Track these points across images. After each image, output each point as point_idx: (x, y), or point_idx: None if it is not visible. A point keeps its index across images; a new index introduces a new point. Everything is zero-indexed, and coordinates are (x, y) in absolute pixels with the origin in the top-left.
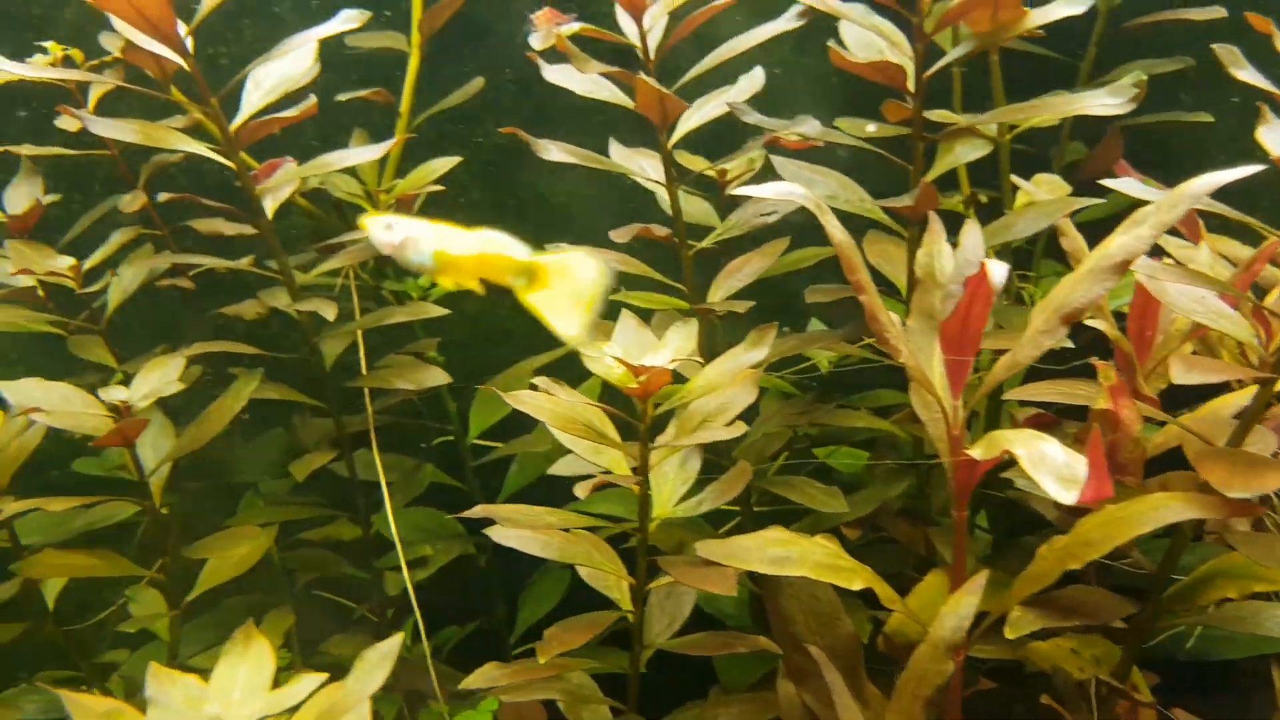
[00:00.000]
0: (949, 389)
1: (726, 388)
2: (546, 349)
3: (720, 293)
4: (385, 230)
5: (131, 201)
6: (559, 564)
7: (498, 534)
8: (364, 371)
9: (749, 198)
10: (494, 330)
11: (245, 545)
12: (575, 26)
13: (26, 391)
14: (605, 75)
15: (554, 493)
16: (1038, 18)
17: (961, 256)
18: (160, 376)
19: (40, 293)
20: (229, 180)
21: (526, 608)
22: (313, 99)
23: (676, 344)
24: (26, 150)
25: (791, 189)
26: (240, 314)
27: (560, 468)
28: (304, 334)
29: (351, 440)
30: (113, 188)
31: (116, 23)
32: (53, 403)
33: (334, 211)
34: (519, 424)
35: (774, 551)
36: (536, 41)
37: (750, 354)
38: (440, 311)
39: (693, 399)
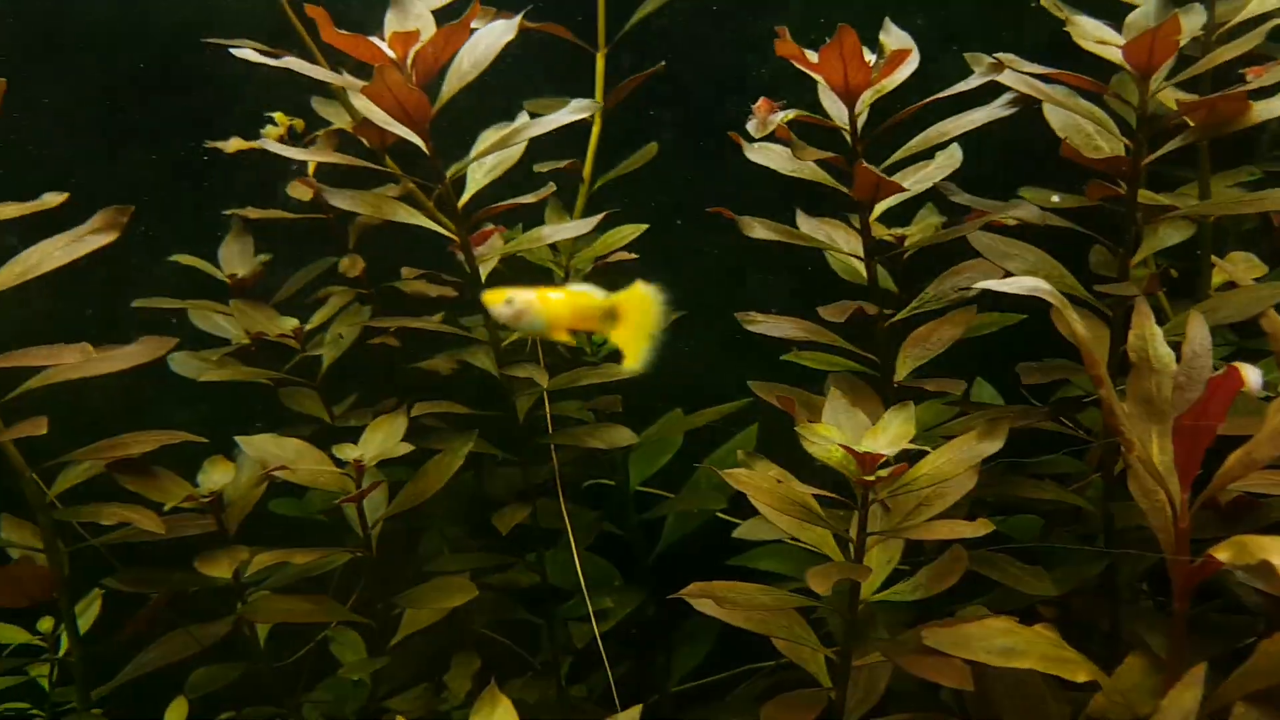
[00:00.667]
0: (1178, 481)
1: (953, 477)
2: (686, 396)
3: (909, 363)
4: (506, 305)
5: (351, 266)
6: None
7: (703, 606)
8: (549, 427)
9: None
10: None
11: (457, 597)
12: (790, 114)
13: (263, 447)
14: (818, 161)
15: (711, 538)
16: (1262, 112)
17: (1189, 349)
18: (386, 436)
19: (251, 346)
20: (423, 240)
21: (681, 651)
22: (551, 185)
23: (895, 429)
24: (253, 213)
25: (1037, 284)
26: (436, 369)
27: (746, 532)
28: (502, 392)
29: (534, 490)
30: (304, 243)
31: (357, 100)
32: (288, 458)
33: (523, 273)
34: (677, 473)
35: (1000, 642)
36: (754, 129)
37: (984, 445)
38: (628, 372)
39: (919, 486)
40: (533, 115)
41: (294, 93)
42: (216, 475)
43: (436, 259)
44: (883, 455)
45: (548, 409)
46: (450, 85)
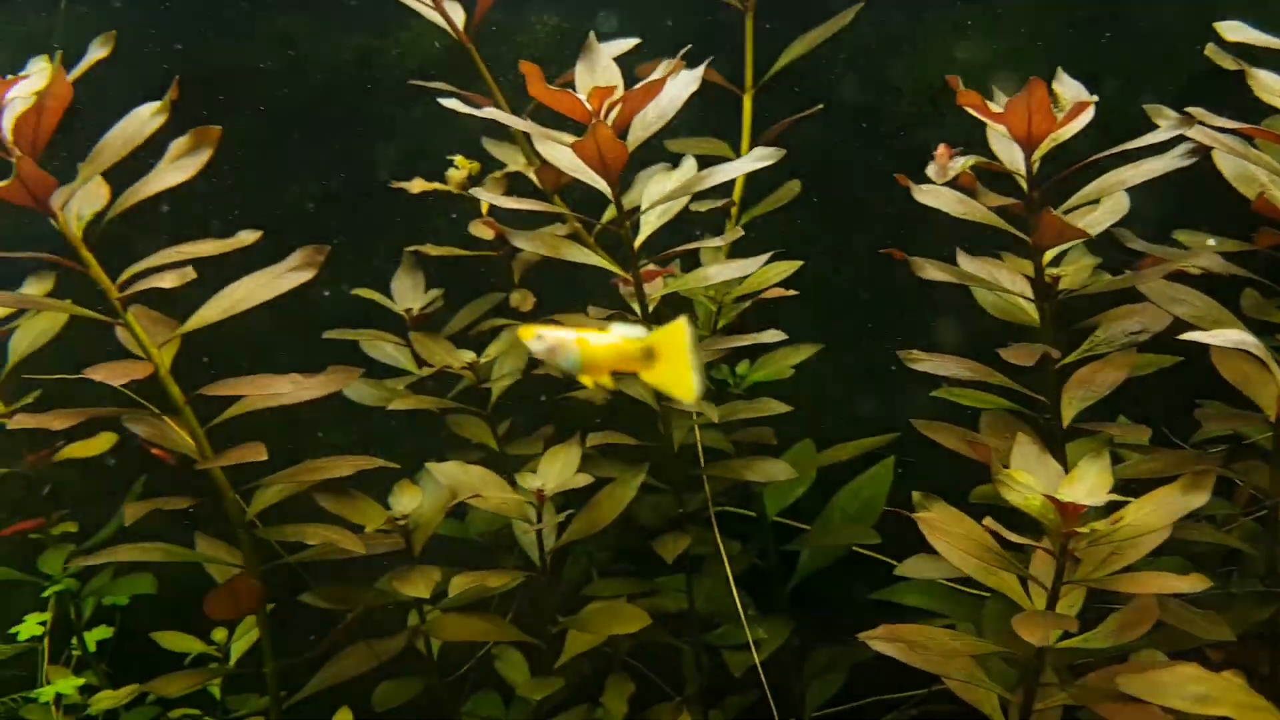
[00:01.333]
0: None
1: (1156, 530)
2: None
3: (1074, 405)
4: (537, 340)
5: (523, 301)
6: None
7: (881, 647)
8: (700, 457)
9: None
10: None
11: (629, 624)
12: (970, 160)
13: (451, 474)
14: (996, 208)
15: (845, 569)
16: None
17: None
18: (563, 466)
19: (429, 379)
20: (581, 275)
21: (817, 681)
22: (739, 231)
23: (1093, 478)
24: (432, 250)
25: (1243, 338)
26: (591, 399)
27: (910, 569)
28: (658, 421)
29: (684, 518)
30: (461, 276)
31: (546, 147)
32: (476, 485)
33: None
34: (809, 502)
35: (1194, 689)
36: (935, 174)
37: (1189, 498)
38: (783, 408)
39: (1119, 537)
40: (676, 154)
41: (442, 129)
42: (406, 499)
43: (590, 293)
44: (1084, 506)
45: (699, 440)
46: (636, 135)
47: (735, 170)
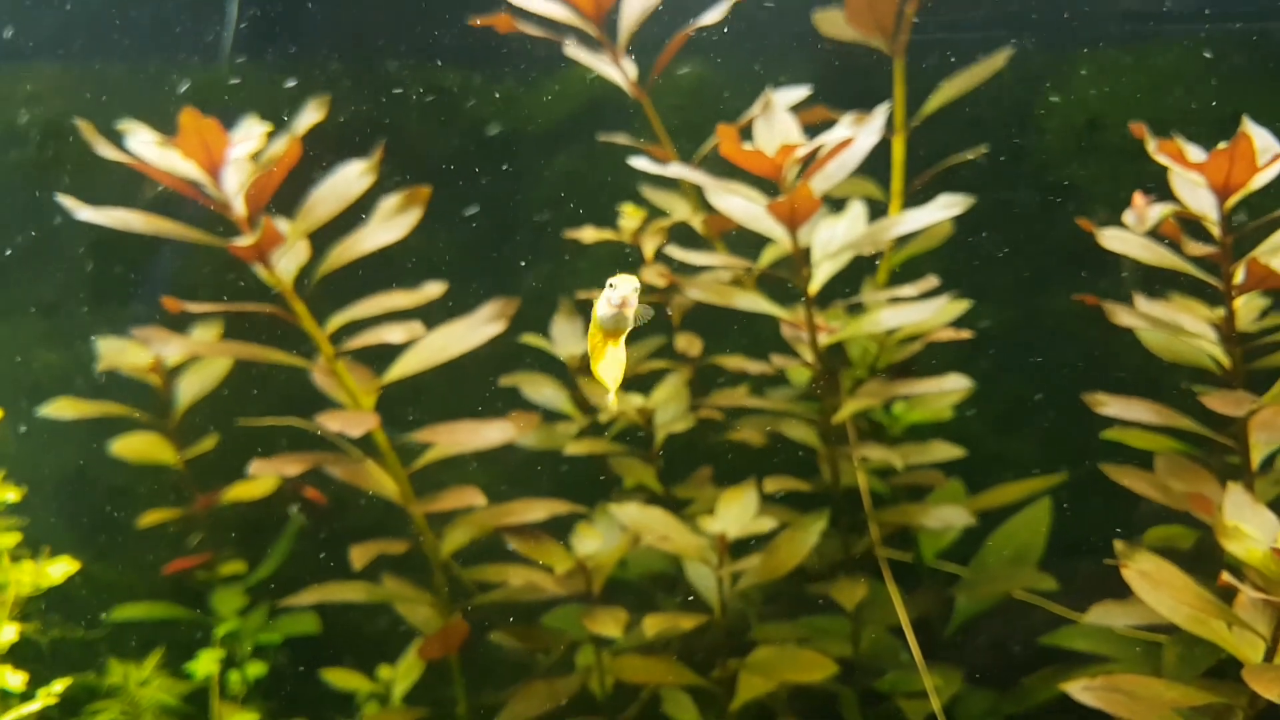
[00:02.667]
0: None
1: None
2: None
3: (1260, 449)
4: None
5: (689, 345)
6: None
7: (1083, 696)
8: (865, 500)
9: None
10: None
11: (813, 671)
12: (1170, 208)
13: (633, 516)
14: (1197, 259)
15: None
16: None
17: None
18: (741, 511)
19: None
20: (738, 319)
21: None
22: (934, 280)
23: None
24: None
25: None
26: (748, 440)
27: (1100, 617)
28: (821, 462)
29: (850, 563)
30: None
31: (722, 199)
32: (656, 528)
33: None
34: (962, 546)
35: None
36: (1133, 223)
37: None
38: (957, 453)
39: None
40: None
41: (584, 177)
42: (588, 542)
43: (752, 334)
44: None
45: (863, 485)
46: (819, 187)
47: (925, 220)
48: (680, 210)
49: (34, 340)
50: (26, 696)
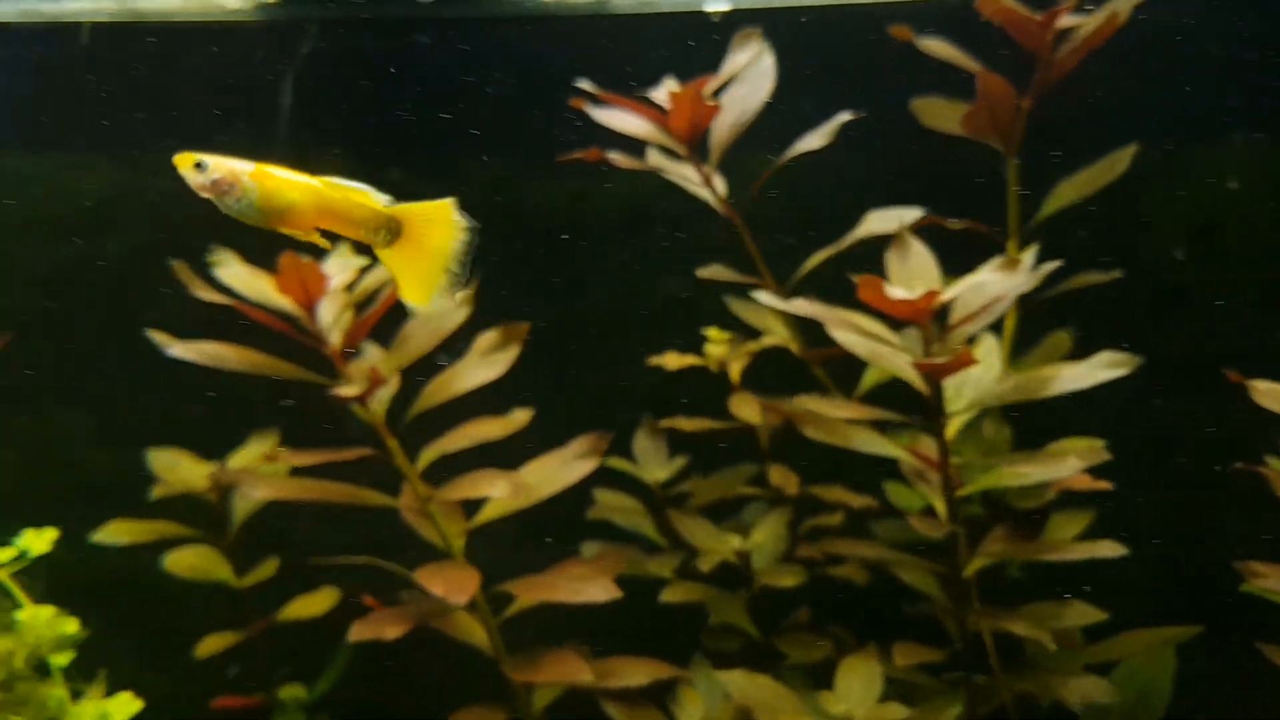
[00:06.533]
0: None
1: None
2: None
3: None
4: (197, 172)
5: (786, 481)
6: None
7: None
8: (993, 662)
9: None
10: None
11: None
12: None
13: (741, 686)
14: None
15: None
16: None
17: None
18: (864, 687)
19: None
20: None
21: None
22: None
23: None
24: (685, 425)
25: None
26: (851, 579)
27: None
28: (952, 619)
29: None
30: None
31: (839, 333)
32: (768, 704)
33: None
34: None
35: None
36: None
37: None
38: (1098, 616)
39: None
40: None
41: (653, 270)
42: (690, 709)
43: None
44: None
45: (991, 647)
46: (964, 335)
47: (1084, 380)
48: (776, 333)
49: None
50: None
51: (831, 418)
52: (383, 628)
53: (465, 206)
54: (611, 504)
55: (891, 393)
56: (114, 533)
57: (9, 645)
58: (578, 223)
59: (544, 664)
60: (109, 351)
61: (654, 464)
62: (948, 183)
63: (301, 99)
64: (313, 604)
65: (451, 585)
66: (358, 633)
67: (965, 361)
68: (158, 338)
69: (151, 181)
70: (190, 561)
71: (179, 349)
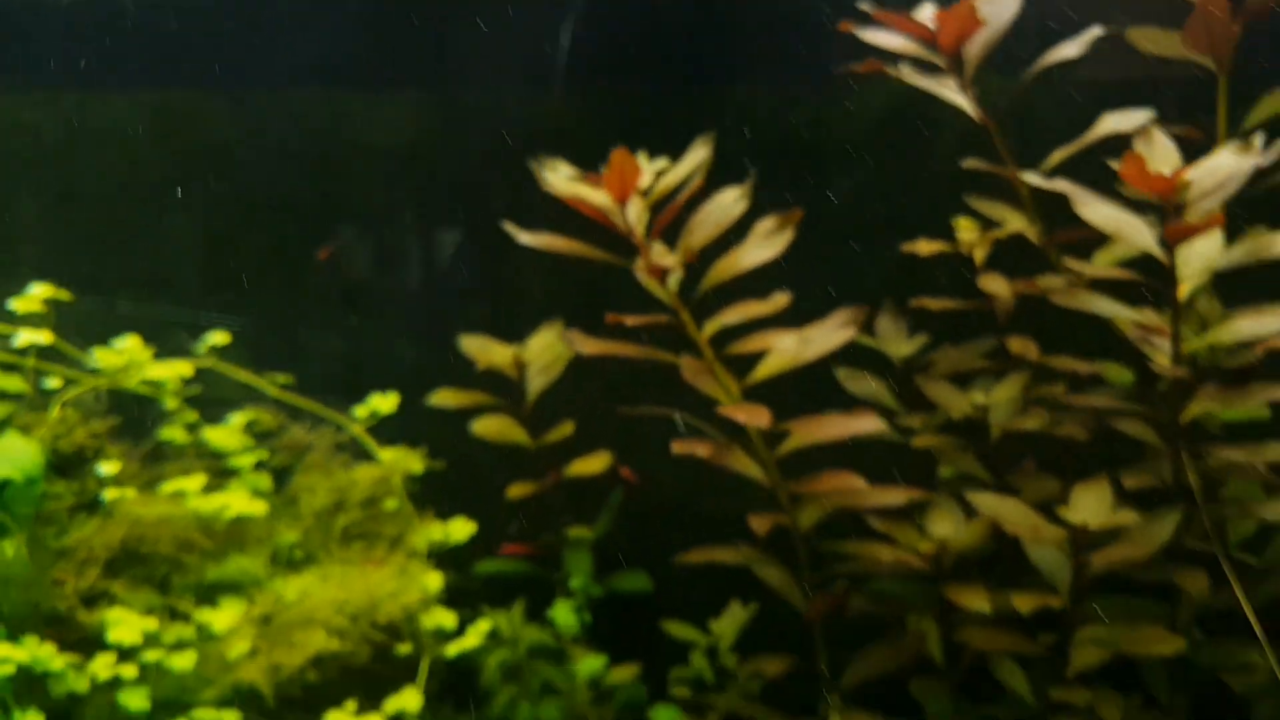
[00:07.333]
0: None
1: None
2: None
3: None
4: None
5: (1026, 349)
6: None
7: None
8: (1197, 494)
9: None
10: None
11: (1167, 645)
12: None
13: (991, 505)
14: None
15: None
16: None
17: None
18: (1097, 504)
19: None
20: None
21: None
22: None
23: None
24: (932, 304)
25: None
26: (1072, 435)
27: None
28: (1168, 459)
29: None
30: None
31: (1085, 209)
32: (1013, 517)
33: None
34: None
35: None
36: None
37: None
38: None
39: None
40: None
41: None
42: (943, 525)
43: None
44: None
45: (1195, 483)
46: (1204, 209)
47: None
48: (1014, 222)
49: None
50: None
51: (1083, 277)
52: (693, 447)
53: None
54: (851, 376)
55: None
56: (443, 398)
57: (375, 474)
58: (832, 136)
59: (824, 480)
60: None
61: (897, 340)
62: (1160, 98)
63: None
64: (592, 464)
65: (751, 415)
66: (679, 449)
67: (1213, 222)
68: (510, 228)
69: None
70: (495, 427)
71: (526, 238)
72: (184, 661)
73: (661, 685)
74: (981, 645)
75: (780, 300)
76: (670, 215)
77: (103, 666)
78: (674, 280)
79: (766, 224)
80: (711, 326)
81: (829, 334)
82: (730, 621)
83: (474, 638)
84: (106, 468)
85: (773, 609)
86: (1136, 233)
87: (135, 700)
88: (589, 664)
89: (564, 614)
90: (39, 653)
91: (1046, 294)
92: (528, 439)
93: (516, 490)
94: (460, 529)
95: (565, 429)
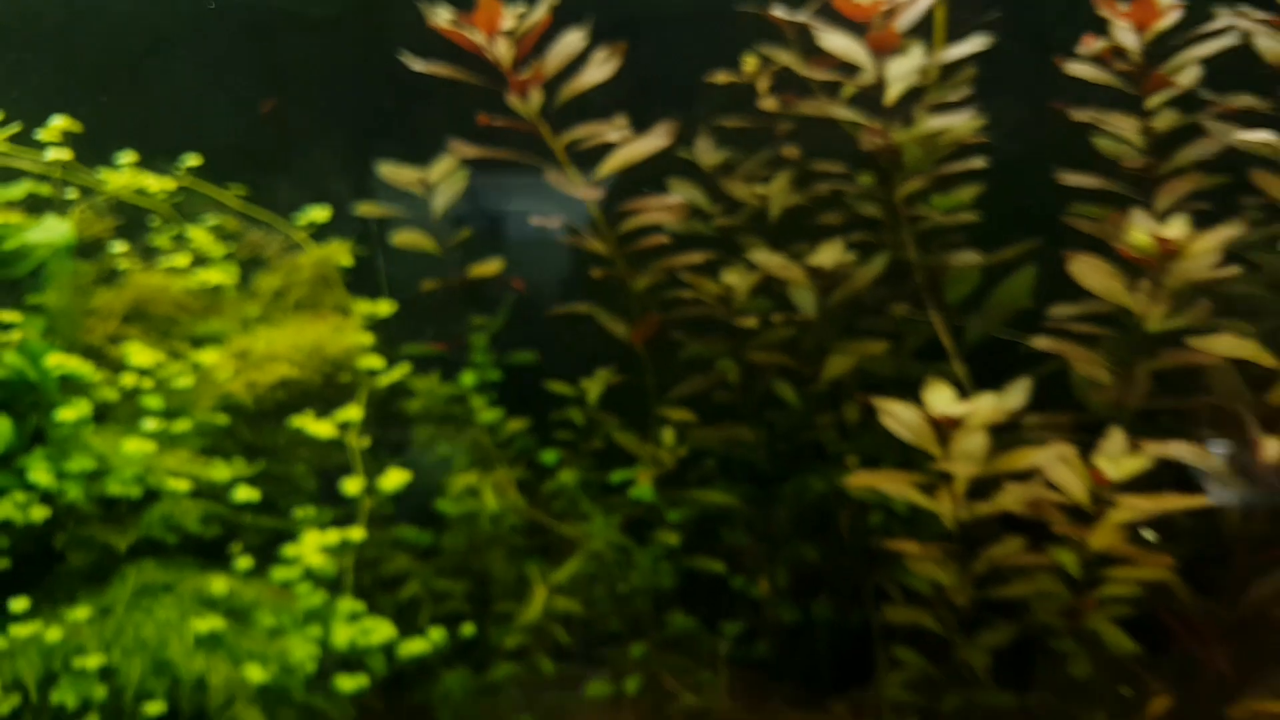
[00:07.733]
0: None
1: None
2: None
3: None
4: None
5: (792, 152)
6: None
7: None
8: None
9: None
10: None
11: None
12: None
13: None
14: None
15: None
16: None
17: None
18: (832, 249)
19: None
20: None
21: None
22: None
23: None
24: (728, 122)
25: None
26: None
27: None
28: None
29: None
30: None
31: (825, 39)
32: (773, 264)
33: None
34: None
35: None
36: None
37: None
38: None
39: None
40: None
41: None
42: (732, 277)
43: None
44: None
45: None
46: (899, 27)
47: (963, 51)
48: (784, 59)
49: None
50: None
51: (817, 102)
52: (548, 221)
53: None
54: (680, 183)
55: None
56: (366, 209)
57: (316, 257)
58: None
59: (651, 238)
60: None
61: (709, 153)
62: None
63: None
64: (487, 269)
65: (588, 192)
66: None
67: (892, 38)
68: (406, 57)
69: None
70: (410, 238)
71: (419, 65)
72: (185, 381)
73: (548, 438)
74: (762, 361)
75: (620, 121)
76: (530, 44)
77: (129, 379)
78: (535, 98)
79: (600, 54)
80: (566, 139)
81: (653, 140)
82: (597, 382)
83: (398, 372)
84: (118, 248)
85: (627, 365)
86: (859, 54)
87: (153, 402)
88: (489, 414)
89: (468, 378)
90: (83, 368)
91: (805, 111)
92: (436, 246)
93: (428, 285)
94: (385, 306)
95: (464, 234)
